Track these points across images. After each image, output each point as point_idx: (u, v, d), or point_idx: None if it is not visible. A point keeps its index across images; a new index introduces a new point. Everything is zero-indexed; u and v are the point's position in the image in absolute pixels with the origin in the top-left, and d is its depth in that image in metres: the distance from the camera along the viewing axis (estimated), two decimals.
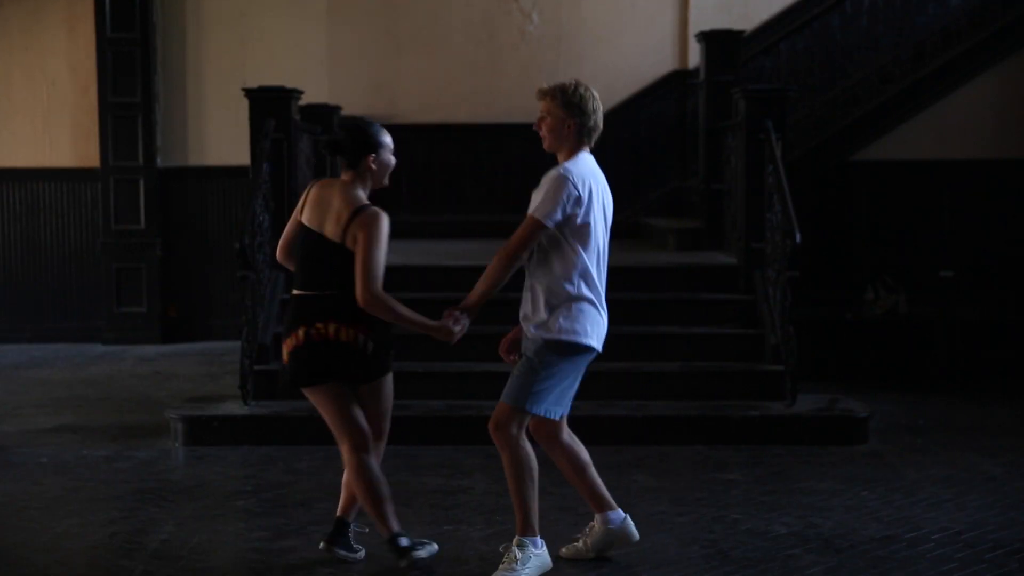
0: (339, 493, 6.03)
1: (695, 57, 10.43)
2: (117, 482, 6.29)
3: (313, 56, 11.20)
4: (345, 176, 4.80)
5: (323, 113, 9.84)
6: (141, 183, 11.01)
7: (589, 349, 4.73)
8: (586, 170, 4.69)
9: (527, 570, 4.72)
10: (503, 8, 11.32)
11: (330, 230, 4.71)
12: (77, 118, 11.14)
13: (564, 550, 5.04)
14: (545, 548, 4.83)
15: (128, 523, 5.56)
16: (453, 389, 7.43)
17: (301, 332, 4.69)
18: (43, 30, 11.10)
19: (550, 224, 4.60)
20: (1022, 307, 9.58)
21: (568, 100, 4.68)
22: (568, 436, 4.97)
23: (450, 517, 5.60)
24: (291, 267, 4.98)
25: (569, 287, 4.66)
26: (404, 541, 4.82)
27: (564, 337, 4.66)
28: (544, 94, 4.74)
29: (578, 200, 4.60)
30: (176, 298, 11.19)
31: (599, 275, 4.74)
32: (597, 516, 4.99)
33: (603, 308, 4.77)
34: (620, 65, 11.29)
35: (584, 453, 4.99)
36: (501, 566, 4.75)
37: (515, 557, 4.74)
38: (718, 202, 9.13)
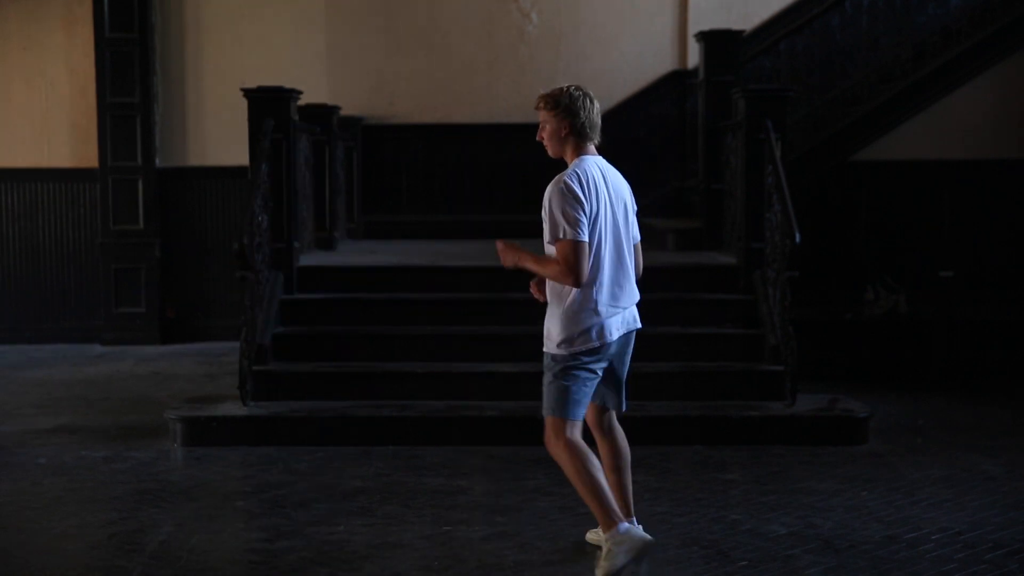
0: (338, 493, 6.04)
1: (695, 57, 10.42)
2: (116, 483, 6.28)
3: (312, 56, 11.19)
4: None
5: (322, 113, 9.83)
6: (140, 183, 11.00)
7: (584, 352, 4.81)
8: (586, 170, 4.75)
9: (620, 557, 4.75)
10: (503, 8, 11.31)
11: None
12: (75, 118, 11.13)
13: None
14: (633, 528, 4.87)
15: (127, 524, 5.55)
16: (454, 389, 7.43)
17: None
18: (42, 31, 11.09)
19: (586, 239, 4.67)
20: (1022, 307, 9.57)
21: (558, 103, 4.79)
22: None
23: (450, 517, 5.59)
24: None
25: (569, 294, 4.77)
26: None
27: (559, 350, 4.82)
28: (540, 103, 4.85)
29: (583, 203, 4.67)
30: (175, 298, 11.18)
31: (614, 273, 4.85)
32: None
33: (614, 306, 4.89)
34: (620, 65, 11.30)
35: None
36: (601, 563, 4.81)
37: (607, 551, 4.79)
38: (718, 202, 9.12)
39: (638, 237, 5.07)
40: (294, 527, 5.47)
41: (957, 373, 9.12)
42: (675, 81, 11.23)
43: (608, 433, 5.16)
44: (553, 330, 4.85)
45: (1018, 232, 9.81)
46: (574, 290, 4.75)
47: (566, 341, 4.80)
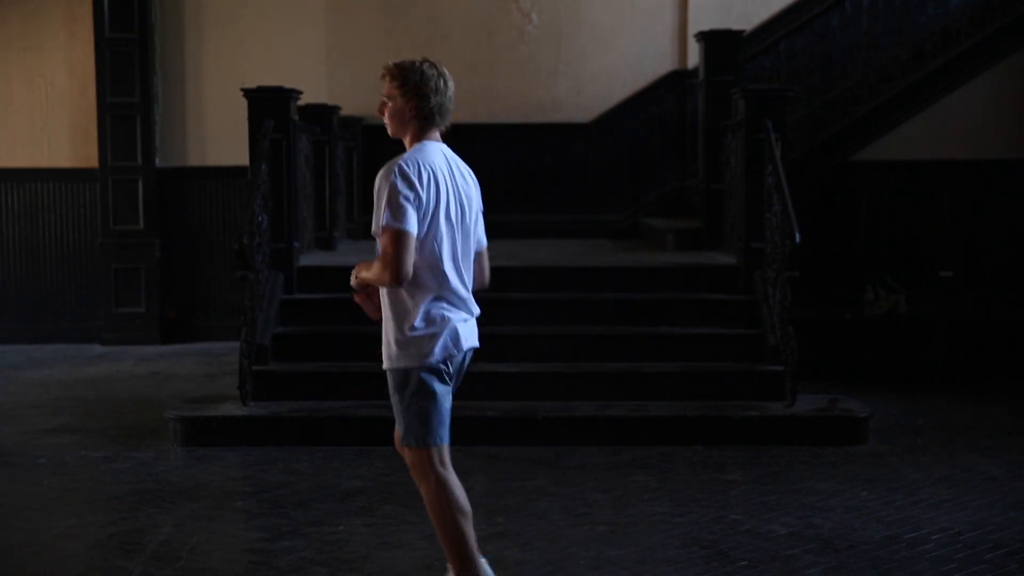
0: (338, 493, 6.04)
1: (695, 57, 10.42)
2: (116, 483, 6.27)
3: (312, 56, 11.19)
4: None
5: (322, 113, 9.82)
6: (140, 183, 11.00)
7: (436, 364, 4.19)
8: (427, 157, 4.19)
9: None
10: (503, 8, 11.31)
11: None
12: (76, 118, 11.13)
13: None
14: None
15: (127, 524, 5.55)
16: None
17: None
18: (42, 31, 11.09)
19: (412, 229, 4.04)
20: (1022, 307, 9.57)
21: (406, 80, 4.20)
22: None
23: None
24: None
25: (408, 298, 4.14)
26: None
27: (407, 364, 4.21)
28: (385, 73, 4.25)
29: (416, 192, 4.07)
30: (175, 298, 11.18)
31: (457, 277, 4.22)
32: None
33: (460, 313, 4.26)
34: (620, 65, 11.30)
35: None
36: None
37: None
38: (718, 202, 9.11)
39: (484, 243, 4.44)
40: (294, 527, 5.47)
41: (957, 373, 9.11)
42: (675, 81, 11.23)
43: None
44: (395, 343, 4.18)
45: (1018, 232, 9.81)
46: (417, 295, 4.13)
47: (414, 355, 4.16)
